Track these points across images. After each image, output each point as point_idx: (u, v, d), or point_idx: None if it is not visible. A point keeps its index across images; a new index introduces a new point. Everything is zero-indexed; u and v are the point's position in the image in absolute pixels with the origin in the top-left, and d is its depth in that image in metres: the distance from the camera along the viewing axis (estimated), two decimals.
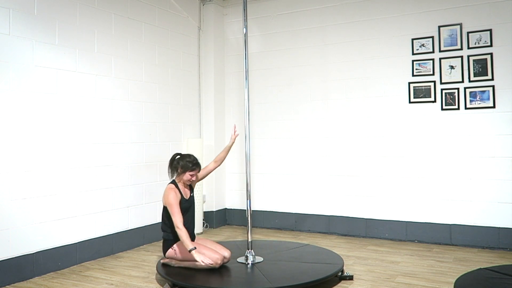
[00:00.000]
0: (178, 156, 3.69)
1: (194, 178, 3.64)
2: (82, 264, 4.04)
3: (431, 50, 4.70)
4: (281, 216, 5.48)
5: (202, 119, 5.71)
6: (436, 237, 4.66)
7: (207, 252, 3.41)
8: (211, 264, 3.31)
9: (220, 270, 3.35)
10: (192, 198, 3.70)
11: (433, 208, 4.68)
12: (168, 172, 3.72)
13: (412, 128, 4.80)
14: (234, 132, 3.88)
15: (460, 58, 4.56)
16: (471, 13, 4.54)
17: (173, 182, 3.65)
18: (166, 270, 3.48)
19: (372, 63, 5.01)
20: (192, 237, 3.61)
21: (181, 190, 3.60)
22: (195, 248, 3.32)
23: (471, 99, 4.51)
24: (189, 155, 3.67)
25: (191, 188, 3.72)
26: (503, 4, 4.41)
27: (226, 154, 3.85)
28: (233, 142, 3.86)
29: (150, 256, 4.31)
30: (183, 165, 3.60)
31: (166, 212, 3.56)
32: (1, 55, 3.46)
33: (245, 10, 4.03)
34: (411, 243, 4.72)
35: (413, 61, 4.79)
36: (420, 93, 4.74)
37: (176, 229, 3.38)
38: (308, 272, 3.38)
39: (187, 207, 3.61)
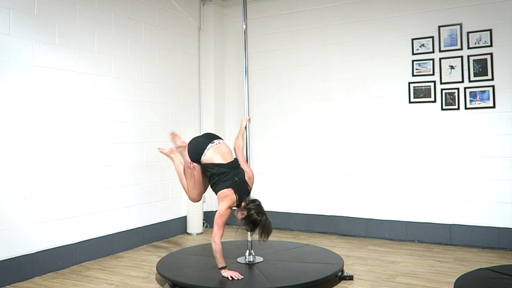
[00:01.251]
0: (257, 216, 3.26)
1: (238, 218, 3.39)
2: (82, 264, 4.04)
3: (431, 50, 4.70)
4: (281, 216, 5.48)
5: (202, 119, 5.71)
6: (436, 237, 4.65)
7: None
8: (239, 278, 3.24)
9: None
10: None
11: (433, 208, 4.68)
12: (245, 204, 3.34)
13: (412, 128, 4.80)
14: (244, 117, 3.91)
15: (460, 58, 4.56)
16: (471, 13, 4.54)
17: (239, 204, 3.35)
18: (166, 270, 3.47)
19: (372, 63, 5.01)
20: None
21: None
22: (226, 267, 3.29)
23: (471, 99, 4.51)
24: (264, 218, 3.26)
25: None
26: (503, 4, 4.41)
27: (242, 140, 3.78)
28: (245, 126, 3.86)
29: (150, 256, 4.31)
30: (251, 218, 3.24)
31: (211, 180, 3.41)
32: (1, 55, 3.46)
33: (245, 10, 4.03)
34: (411, 243, 4.72)
35: (413, 61, 4.79)
36: (420, 93, 4.74)
37: (213, 243, 3.24)
38: (308, 272, 3.38)
39: None
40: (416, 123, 4.78)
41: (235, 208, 3.37)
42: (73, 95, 4.03)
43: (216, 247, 3.23)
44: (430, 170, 4.70)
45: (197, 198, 3.66)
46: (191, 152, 3.48)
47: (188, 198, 3.74)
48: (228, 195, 3.29)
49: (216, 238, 3.23)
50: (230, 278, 3.22)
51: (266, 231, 3.25)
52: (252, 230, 3.32)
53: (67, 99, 3.98)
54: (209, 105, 5.70)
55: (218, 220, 3.25)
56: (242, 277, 3.25)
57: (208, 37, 5.72)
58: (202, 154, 3.41)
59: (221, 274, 3.28)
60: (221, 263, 3.28)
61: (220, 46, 5.84)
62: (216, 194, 3.38)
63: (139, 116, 4.75)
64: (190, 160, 3.47)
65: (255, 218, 3.24)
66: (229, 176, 3.34)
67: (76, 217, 4.02)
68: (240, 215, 3.32)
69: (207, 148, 3.42)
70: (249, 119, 3.93)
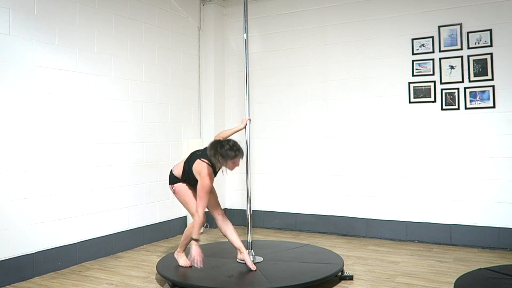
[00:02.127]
0: (216, 144, 3.31)
1: (237, 165, 3.34)
2: (82, 264, 4.04)
3: (431, 50, 4.70)
4: (281, 216, 5.48)
5: (202, 119, 5.71)
6: (436, 237, 4.66)
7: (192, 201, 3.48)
8: (199, 265, 3.23)
9: (220, 269, 3.34)
10: None
11: (433, 208, 4.68)
12: (209, 154, 3.31)
13: (412, 128, 4.80)
14: (245, 118, 3.90)
15: (460, 58, 4.56)
16: (471, 13, 4.54)
17: (211, 163, 3.34)
18: (166, 270, 3.48)
19: (372, 63, 5.01)
20: None
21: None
22: (198, 240, 3.28)
23: (471, 99, 4.51)
24: (228, 142, 3.29)
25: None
26: (503, 4, 4.41)
27: (230, 134, 3.73)
28: (244, 126, 3.85)
29: (150, 256, 4.31)
30: (223, 154, 3.23)
31: (191, 175, 3.42)
32: (1, 55, 3.46)
33: (245, 10, 4.03)
34: (411, 243, 4.72)
35: (413, 61, 4.79)
36: (420, 93, 4.74)
37: (196, 214, 3.25)
38: (308, 272, 3.38)
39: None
40: (416, 123, 4.78)
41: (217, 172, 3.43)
42: (73, 95, 4.03)
43: (199, 219, 3.25)
44: (430, 170, 4.70)
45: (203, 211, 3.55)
46: (169, 179, 3.63)
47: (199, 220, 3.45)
48: (200, 168, 3.29)
49: (200, 210, 3.24)
50: (192, 258, 3.20)
51: (236, 148, 3.26)
52: (233, 157, 3.26)
53: (67, 99, 3.98)
54: (209, 105, 5.70)
55: (201, 193, 3.24)
56: (201, 266, 3.22)
57: (208, 37, 5.72)
58: (172, 172, 3.58)
59: (221, 274, 3.29)
60: (196, 235, 3.26)
61: (220, 46, 5.84)
62: (195, 175, 3.37)
63: (139, 116, 4.75)
64: (171, 186, 3.61)
65: (224, 150, 3.23)
66: (192, 157, 3.45)
67: (76, 217, 4.02)
68: (220, 163, 3.30)
69: (172, 168, 3.63)
70: (249, 120, 3.94)
